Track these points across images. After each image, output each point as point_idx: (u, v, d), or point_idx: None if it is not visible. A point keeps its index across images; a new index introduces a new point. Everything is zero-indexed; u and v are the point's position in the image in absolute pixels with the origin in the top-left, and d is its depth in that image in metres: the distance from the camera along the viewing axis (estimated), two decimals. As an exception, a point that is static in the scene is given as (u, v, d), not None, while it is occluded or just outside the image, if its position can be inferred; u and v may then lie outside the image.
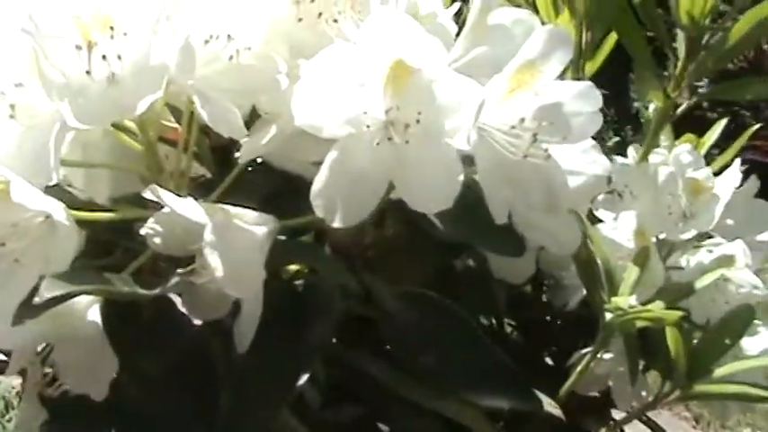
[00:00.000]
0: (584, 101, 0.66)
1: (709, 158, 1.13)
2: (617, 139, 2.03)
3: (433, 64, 0.61)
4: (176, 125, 0.72)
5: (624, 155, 1.14)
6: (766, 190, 1.05)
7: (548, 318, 1.05)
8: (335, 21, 0.69)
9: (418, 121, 0.60)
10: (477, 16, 0.68)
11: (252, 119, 0.72)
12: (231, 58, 0.65)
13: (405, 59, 0.60)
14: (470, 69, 0.69)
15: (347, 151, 0.61)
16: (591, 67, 1.09)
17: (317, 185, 0.61)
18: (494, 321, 1.03)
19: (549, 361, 1.05)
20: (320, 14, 0.70)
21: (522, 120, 0.63)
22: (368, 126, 0.60)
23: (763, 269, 1.01)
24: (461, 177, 0.61)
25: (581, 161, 0.69)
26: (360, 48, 0.61)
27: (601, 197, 1.00)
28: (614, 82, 1.06)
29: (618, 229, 0.96)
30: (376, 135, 0.61)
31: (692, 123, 1.11)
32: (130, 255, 0.69)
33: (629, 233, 0.95)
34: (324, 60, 0.62)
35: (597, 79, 1.14)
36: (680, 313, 0.84)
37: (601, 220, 0.99)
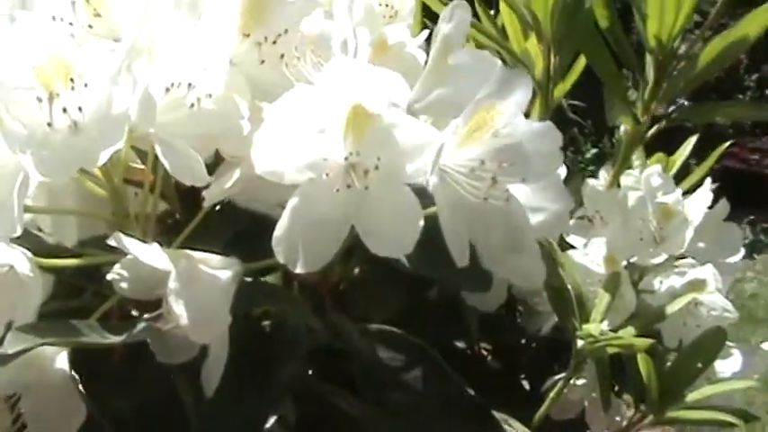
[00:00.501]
0: (543, 140, 0.66)
1: (685, 169, 1.14)
2: (595, 150, 2.05)
3: (391, 109, 0.61)
4: (143, 166, 0.72)
5: (602, 165, 1.15)
6: (742, 196, 1.06)
7: (522, 342, 1.06)
8: (298, 59, 0.69)
9: (377, 167, 0.61)
10: (437, 56, 0.68)
11: (217, 161, 0.73)
12: (192, 105, 0.65)
13: (364, 105, 0.61)
14: (432, 110, 0.70)
15: (308, 197, 0.61)
16: (562, 88, 1.09)
17: (278, 231, 0.61)
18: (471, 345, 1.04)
19: (525, 385, 1.06)
20: (282, 56, 0.70)
21: (482, 162, 0.64)
22: (327, 173, 0.61)
23: (742, 278, 1.02)
24: (421, 222, 0.61)
25: (543, 198, 0.69)
26: (319, 93, 0.62)
27: (572, 222, 1.01)
28: (591, 94, 1.07)
29: (589, 255, 0.96)
30: (336, 181, 0.61)
31: (667, 132, 1.12)
32: (101, 296, 0.70)
33: (600, 259, 0.96)
34: (283, 106, 0.63)
35: (574, 92, 1.16)
36: (650, 341, 0.85)
37: (572, 246, 1.00)
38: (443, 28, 0.68)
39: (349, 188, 0.61)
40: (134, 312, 0.71)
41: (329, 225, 0.62)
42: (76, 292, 0.75)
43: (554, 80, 1.02)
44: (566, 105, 2.23)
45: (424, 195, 0.63)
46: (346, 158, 0.62)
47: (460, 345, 1.05)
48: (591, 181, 1.06)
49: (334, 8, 0.70)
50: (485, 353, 1.08)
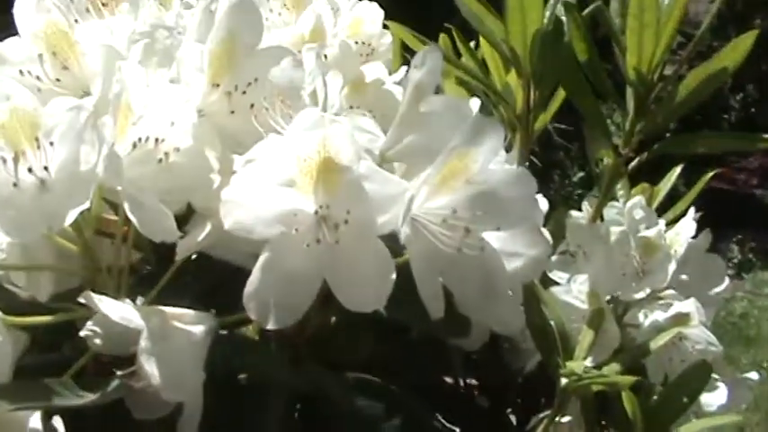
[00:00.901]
0: (518, 186, 0.65)
1: (675, 192, 1.13)
2: (582, 174, 2.04)
3: (362, 161, 0.61)
4: (116, 217, 0.71)
5: (590, 188, 1.14)
6: (730, 216, 1.05)
7: (508, 379, 1.05)
8: (266, 109, 0.69)
9: (347, 221, 0.60)
10: (409, 103, 0.68)
11: (190, 212, 0.72)
12: (161, 160, 0.64)
13: (333, 158, 0.60)
14: (405, 157, 0.69)
15: (278, 253, 0.61)
16: (543, 119, 1.09)
17: (249, 288, 0.60)
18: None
19: (513, 421, 1.05)
20: (252, 106, 0.70)
21: (455, 211, 0.63)
22: (296, 229, 0.60)
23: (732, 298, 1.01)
24: (393, 276, 0.60)
25: (519, 243, 0.68)
26: (288, 145, 0.61)
27: (554, 258, 1.00)
28: (577, 116, 1.06)
29: (572, 292, 0.95)
30: (306, 235, 0.61)
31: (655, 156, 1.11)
32: (78, 349, 0.69)
33: (583, 295, 0.95)
34: (251, 159, 0.63)
35: (560, 115, 1.15)
36: (633, 378, 0.84)
37: (555, 282, 0.99)
38: (415, 75, 0.68)
39: (319, 243, 0.61)
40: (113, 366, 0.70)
41: (301, 280, 0.61)
42: (55, 344, 0.74)
43: (534, 113, 1.01)
44: (551, 129, 2.23)
45: (398, 242, 0.62)
46: (316, 212, 0.61)
47: (449, 381, 1.04)
48: (574, 214, 1.05)
49: (303, 56, 0.69)
50: (474, 389, 1.07)
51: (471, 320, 0.74)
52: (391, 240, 0.62)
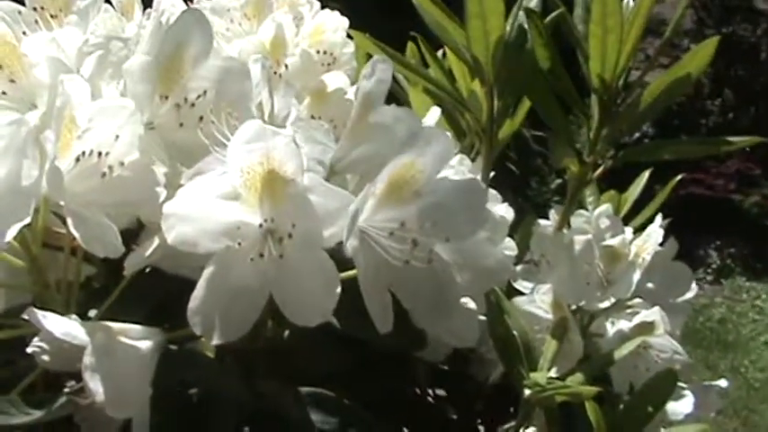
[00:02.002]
0: (468, 196, 0.65)
1: (649, 195, 1.13)
2: (560, 181, 2.04)
3: (306, 174, 0.60)
4: (63, 231, 0.70)
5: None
6: (708, 222, 1.05)
7: (474, 389, 1.04)
8: (213, 122, 0.68)
9: (291, 235, 0.60)
10: (358, 114, 0.68)
11: (141, 226, 0.71)
12: (104, 174, 0.64)
13: (277, 170, 0.60)
14: (355, 168, 0.69)
15: (223, 266, 0.60)
16: (509, 127, 1.08)
17: (193, 303, 0.60)
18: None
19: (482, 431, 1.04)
20: (201, 118, 0.69)
21: (402, 223, 0.63)
22: (240, 242, 0.60)
23: (710, 304, 1.00)
24: (338, 290, 0.60)
25: (472, 254, 0.68)
26: (231, 159, 0.60)
27: (519, 267, 1.00)
28: None
29: (536, 302, 0.95)
30: (251, 249, 0.60)
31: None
32: (30, 366, 0.68)
33: (547, 305, 0.94)
34: (194, 172, 0.62)
35: (537, 122, 1.15)
36: (596, 389, 0.84)
37: (520, 292, 0.98)
38: (364, 85, 0.68)
39: (263, 257, 0.60)
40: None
41: (246, 294, 0.61)
42: (8, 361, 0.73)
43: (497, 122, 1.00)
44: (529, 136, 2.24)
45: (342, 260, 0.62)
46: (261, 225, 0.61)
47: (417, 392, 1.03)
48: (542, 222, 1.05)
49: (250, 68, 0.69)
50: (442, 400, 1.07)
51: (427, 334, 0.73)
52: (339, 254, 0.62)
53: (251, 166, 0.59)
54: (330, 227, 0.60)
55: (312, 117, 0.86)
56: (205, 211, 0.60)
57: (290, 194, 0.60)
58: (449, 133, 0.86)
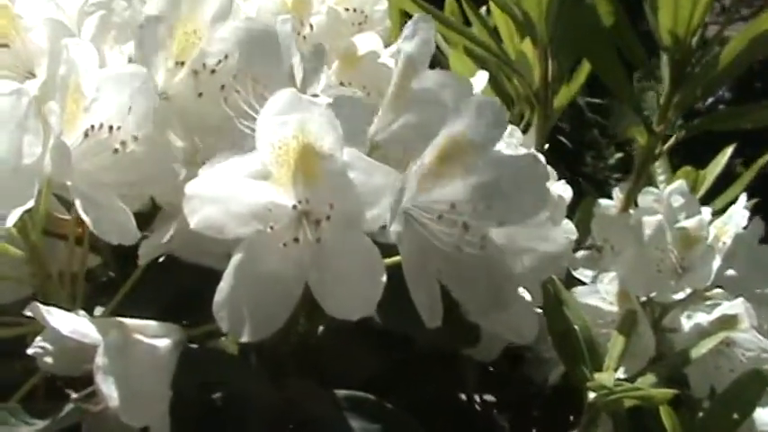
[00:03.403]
0: (526, 174, 0.66)
1: (729, 177, 1.13)
2: (620, 155, 2.03)
3: (345, 148, 0.61)
4: (68, 216, 0.72)
5: (630, 172, 1.14)
6: None
7: (530, 393, 1.06)
8: (237, 92, 0.69)
9: (329, 217, 0.61)
10: (400, 80, 0.68)
11: (155, 210, 0.73)
12: (117, 150, 0.65)
13: (313, 145, 0.61)
14: (396, 142, 0.70)
15: (252, 254, 0.61)
16: (566, 94, 1.09)
17: (219, 295, 0.61)
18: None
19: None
20: (223, 87, 0.70)
21: (453, 205, 0.64)
22: (272, 226, 0.61)
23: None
24: (384, 278, 0.61)
25: (531, 237, 0.70)
26: (262, 131, 0.61)
27: (580, 254, 1.01)
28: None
29: (599, 292, 0.96)
30: (284, 234, 0.61)
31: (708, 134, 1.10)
32: (28, 370, 0.70)
33: (612, 296, 0.95)
34: (219, 147, 0.64)
35: (593, 88, 1.16)
36: (673, 391, 0.84)
37: (581, 282, 1.00)
38: (405, 47, 0.68)
39: (298, 241, 0.62)
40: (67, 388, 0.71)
41: (279, 285, 0.62)
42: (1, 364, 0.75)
43: (553, 87, 1.01)
44: (583, 104, 2.23)
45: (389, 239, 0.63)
46: (295, 207, 0.62)
47: (462, 398, 1.05)
48: (603, 203, 1.06)
49: (278, 29, 0.70)
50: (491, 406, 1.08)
51: (480, 329, 0.75)
52: (382, 238, 0.63)
53: (283, 140, 0.61)
54: (372, 208, 0.61)
55: (341, 84, 0.87)
56: (232, 191, 0.61)
57: (328, 171, 0.61)
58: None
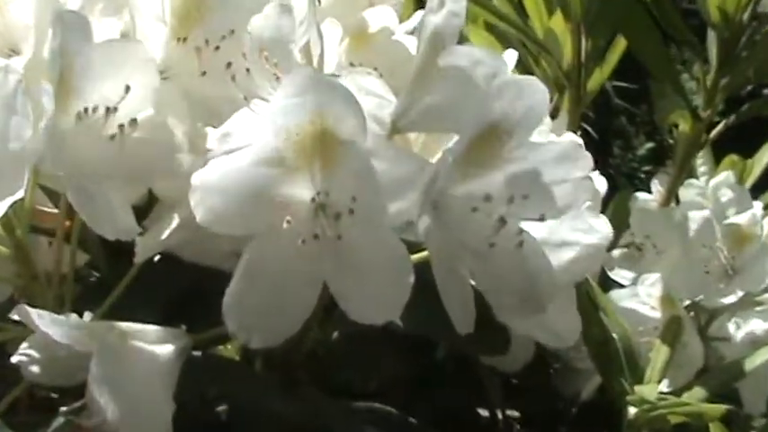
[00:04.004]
0: (568, 164, 0.67)
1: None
2: (651, 145, 2.02)
3: (368, 134, 0.61)
4: (55, 210, 0.73)
5: (661, 163, 1.14)
6: None
7: (558, 408, 1.06)
8: (247, 70, 0.70)
9: (352, 211, 0.61)
10: (425, 57, 0.68)
11: (151, 202, 0.73)
12: (113, 136, 0.66)
13: (334, 130, 0.61)
14: (421, 127, 0.71)
15: (265, 252, 0.62)
16: (598, 77, 1.10)
17: (229, 298, 0.61)
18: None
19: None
20: (229, 65, 0.71)
21: (488, 196, 0.64)
22: (288, 221, 0.61)
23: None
24: (412, 278, 0.61)
25: (570, 230, 0.71)
26: (276, 115, 0.61)
27: (616, 253, 1.01)
28: (643, 70, 1.06)
29: (639, 296, 0.96)
30: (300, 230, 0.62)
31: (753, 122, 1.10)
32: (7, 381, 0.70)
33: (655, 300, 0.95)
34: (229, 133, 0.64)
35: (621, 70, 1.16)
36: (723, 407, 0.84)
37: (618, 284, 1.00)
38: (431, 20, 0.68)
39: (317, 238, 0.62)
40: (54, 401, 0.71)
41: (294, 286, 0.62)
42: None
43: (587, 67, 1.02)
44: (610, 89, 2.23)
45: (416, 235, 0.64)
46: (313, 199, 0.62)
47: (483, 413, 1.05)
48: (640, 196, 1.06)
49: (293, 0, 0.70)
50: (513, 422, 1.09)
51: (510, 334, 0.75)
52: (407, 234, 0.64)
53: (300, 125, 0.61)
54: (397, 200, 0.62)
55: (351, 64, 0.87)
56: (243, 182, 0.61)
57: (349, 160, 0.61)
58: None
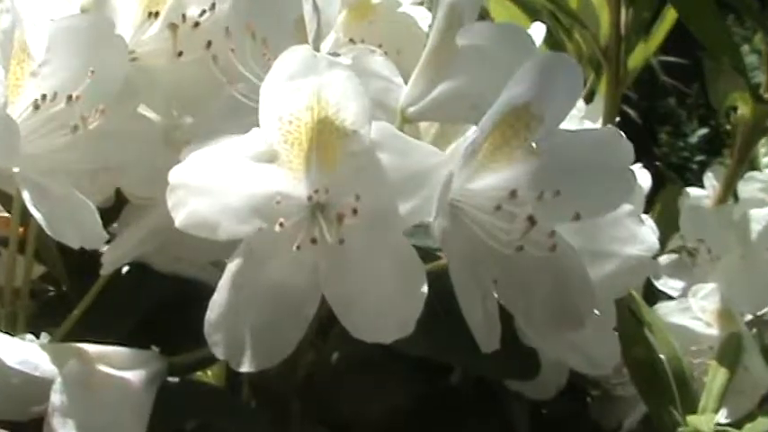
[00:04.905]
0: (605, 155, 0.68)
1: None
2: (705, 131, 2.01)
3: (373, 123, 0.62)
4: (6, 215, 0.74)
5: (717, 153, 1.14)
6: None
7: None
8: (232, 50, 0.71)
9: (355, 211, 0.62)
10: (441, 35, 0.69)
11: (120, 204, 0.74)
12: (77, 127, 0.67)
13: (333, 118, 0.62)
14: (436, 114, 0.72)
15: (255, 259, 0.63)
16: (642, 53, 1.10)
17: (212, 313, 0.62)
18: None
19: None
20: (209, 44, 0.72)
21: (514, 193, 0.65)
22: (281, 223, 0.62)
23: None
24: (425, 289, 0.62)
25: (611, 238, 0.72)
26: (266, 102, 0.63)
27: (664, 259, 1.01)
28: (695, 43, 1.06)
29: (691, 310, 0.96)
30: (296, 233, 0.63)
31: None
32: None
33: (710, 314, 0.96)
34: (212, 123, 0.65)
35: (670, 44, 1.16)
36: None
37: (666, 296, 1.00)
38: (447, -8, 0.69)
39: (315, 243, 0.63)
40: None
41: (289, 299, 0.63)
42: None
43: (628, 42, 1.02)
44: (657, 65, 2.22)
45: (430, 239, 0.65)
46: (310, 198, 0.63)
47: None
48: (693, 192, 1.07)
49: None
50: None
51: (540, 355, 0.76)
52: (421, 238, 0.65)
53: (295, 113, 0.62)
54: (409, 199, 0.63)
55: (351, 42, 0.88)
56: (229, 179, 0.62)
57: (352, 153, 0.62)
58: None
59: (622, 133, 0.69)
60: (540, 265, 0.66)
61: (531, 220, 0.65)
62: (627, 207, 0.72)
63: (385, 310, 0.63)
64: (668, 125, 2.19)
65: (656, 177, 1.01)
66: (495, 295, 0.66)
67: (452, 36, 0.70)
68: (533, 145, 0.66)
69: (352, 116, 0.62)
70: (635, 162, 0.82)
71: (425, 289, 0.62)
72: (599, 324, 0.74)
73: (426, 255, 0.65)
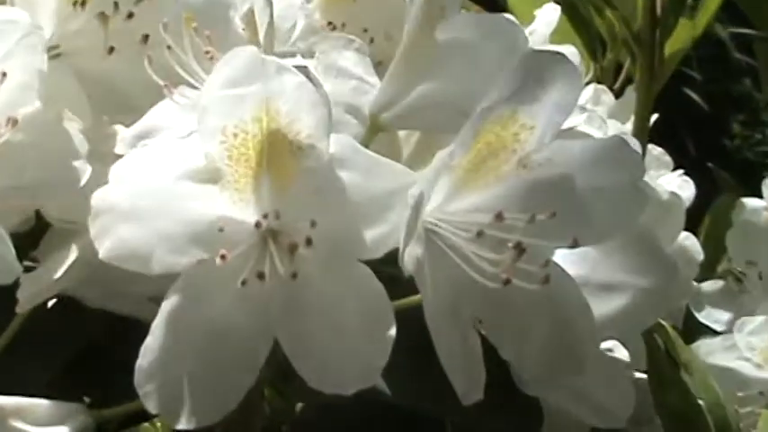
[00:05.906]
0: (611, 167, 0.70)
1: None
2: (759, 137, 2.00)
3: (332, 136, 0.65)
4: None
5: None
6: None
7: None
8: (169, 48, 0.73)
9: (310, 241, 0.65)
10: (419, 28, 0.71)
11: (40, 230, 0.77)
12: (-9, 139, 0.69)
13: (286, 130, 0.65)
14: (412, 121, 0.75)
15: (194, 296, 0.66)
16: (686, 33, 1.12)
17: (144, 360, 0.65)
18: None
19: None
20: (146, 38, 0.75)
21: (500, 215, 0.67)
22: (222, 255, 0.64)
23: None
24: (393, 330, 0.65)
25: (621, 265, 0.74)
26: (207, 114, 0.65)
27: (708, 286, 1.03)
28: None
29: (738, 348, 0.98)
30: (242, 267, 0.65)
31: None
32: None
33: (760, 354, 0.98)
34: (143, 135, 0.69)
35: (742, 15, 1.18)
36: None
37: (710, 330, 1.02)
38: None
39: (263, 278, 0.65)
40: None
41: (233, 343, 0.66)
42: None
43: (664, 23, 1.03)
44: (726, 39, 2.21)
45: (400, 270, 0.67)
46: (259, 224, 0.66)
47: None
48: (750, 203, 1.08)
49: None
50: None
51: (542, 405, 0.79)
52: (390, 269, 0.67)
53: (240, 123, 0.64)
54: (374, 224, 0.65)
55: (329, 26, 0.90)
56: (163, 201, 0.65)
57: (308, 171, 0.65)
58: (574, 50, 0.89)
59: (630, 141, 0.71)
60: (532, 300, 0.68)
61: (520, 248, 0.67)
62: (639, 228, 0.73)
63: (345, 357, 0.66)
64: (742, 113, 2.17)
65: (714, 184, 1.01)
66: (480, 336, 0.68)
67: (432, 27, 0.72)
68: (524, 158, 0.69)
69: (307, 128, 0.64)
70: (703, 159, 0.83)
71: (394, 331, 0.65)
72: (608, 368, 0.76)
73: (396, 289, 0.67)
